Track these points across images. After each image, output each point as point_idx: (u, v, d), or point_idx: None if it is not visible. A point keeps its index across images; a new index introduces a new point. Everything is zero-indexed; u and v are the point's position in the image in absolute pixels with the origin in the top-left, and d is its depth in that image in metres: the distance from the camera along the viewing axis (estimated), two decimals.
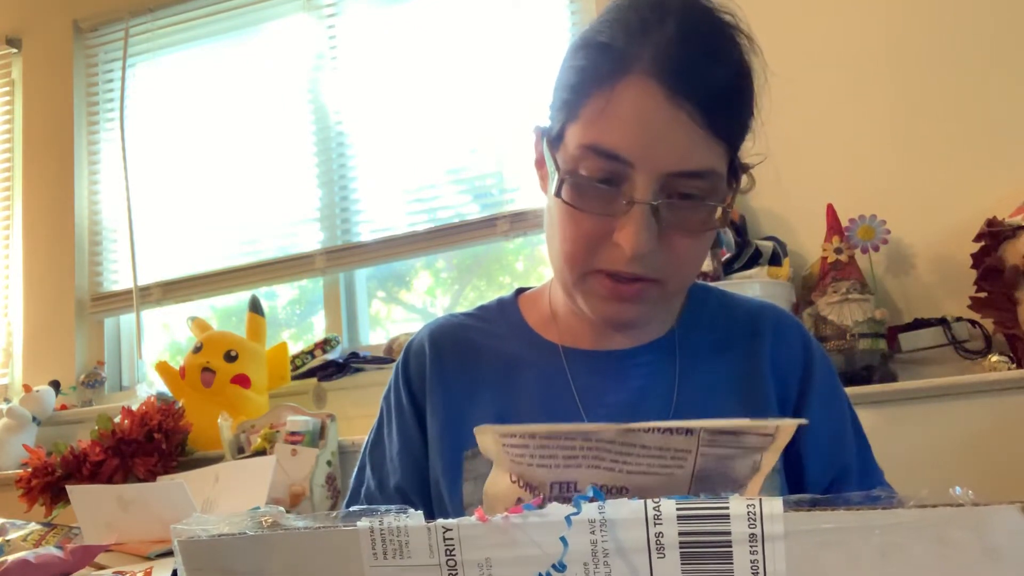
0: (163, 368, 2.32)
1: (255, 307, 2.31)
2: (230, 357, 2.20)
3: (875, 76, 1.95)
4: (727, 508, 0.39)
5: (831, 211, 1.80)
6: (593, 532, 0.40)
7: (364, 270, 2.56)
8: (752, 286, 1.71)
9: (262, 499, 1.72)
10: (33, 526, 1.73)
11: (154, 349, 2.81)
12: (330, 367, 2.29)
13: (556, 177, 0.76)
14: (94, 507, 1.58)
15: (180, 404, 2.16)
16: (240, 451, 2.03)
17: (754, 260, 1.80)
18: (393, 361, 2.07)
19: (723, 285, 1.70)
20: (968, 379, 1.60)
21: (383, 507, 0.46)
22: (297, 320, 2.77)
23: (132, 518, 1.55)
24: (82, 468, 2.02)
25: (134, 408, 2.11)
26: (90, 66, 2.91)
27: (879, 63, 1.95)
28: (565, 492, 0.56)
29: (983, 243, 1.71)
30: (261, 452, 1.94)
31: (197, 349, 2.25)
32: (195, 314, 2.53)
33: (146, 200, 2.76)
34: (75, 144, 2.83)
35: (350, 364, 2.29)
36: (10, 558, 1.29)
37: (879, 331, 1.71)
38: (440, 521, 0.43)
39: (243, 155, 2.68)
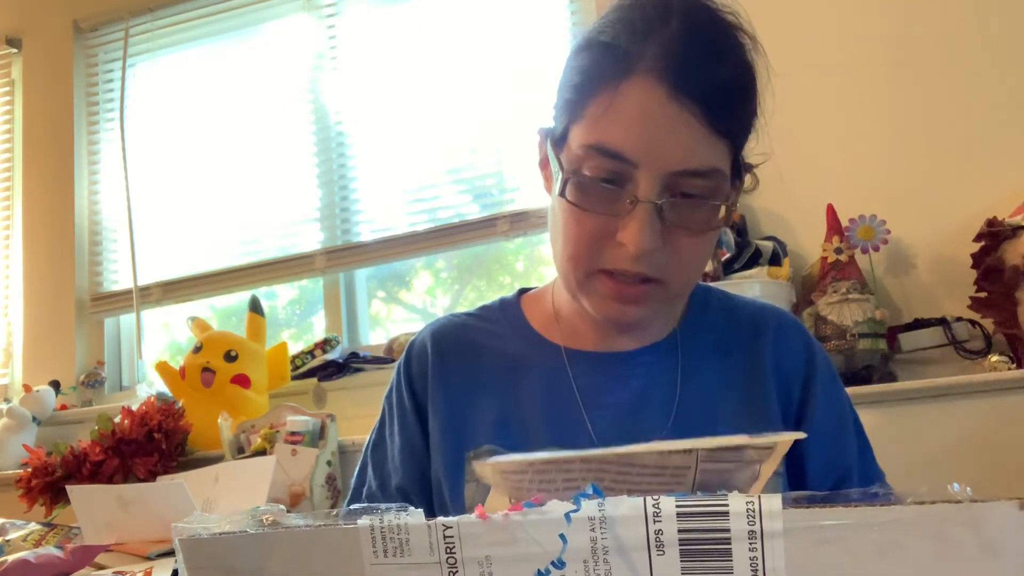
0: (163, 368, 2.32)
1: (255, 307, 2.31)
2: (230, 357, 2.21)
3: (875, 76, 1.95)
4: (726, 505, 0.39)
5: (831, 211, 1.80)
6: (593, 529, 0.40)
7: (364, 270, 2.56)
8: (752, 286, 1.72)
9: (262, 499, 1.72)
10: (33, 526, 1.73)
11: (154, 349, 2.81)
12: (330, 367, 2.29)
13: (560, 177, 0.76)
14: (94, 507, 1.58)
15: (180, 404, 2.16)
16: (240, 451, 2.03)
17: (754, 260, 1.80)
18: (393, 361, 2.08)
19: (723, 285, 1.70)
20: (968, 379, 1.60)
21: (383, 505, 0.46)
22: (297, 320, 2.77)
23: (132, 518, 1.55)
24: (82, 468, 2.02)
25: (134, 408, 2.11)
26: (90, 66, 2.91)
27: (879, 63, 1.95)
28: None
29: (983, 243, 1.71)
30: (261, 452, 1.94)
31: (197, 349, 2.25)
32: (195, 314, 2.53)
33: (146, 200, 2.76)
34: (75, 144, 2.83)
35: (350, 364, 2.29)
36: (10, 558, 1.29)
37: (879, 331, 1.71)
38: (440, 519, 0.44)
39: (243, 155, 2.68)
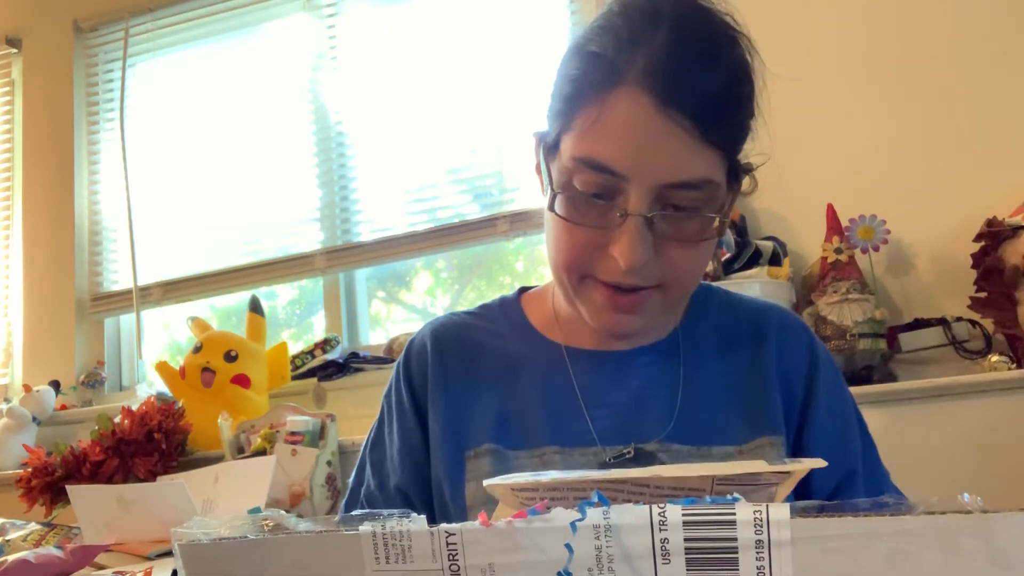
0: (163, 368, 2.32)
1: (255, 307, 2.31)
2: (230, 357, 2.20)
3: (875, 76, 1.95)
4: (733, 514, 0.38)
5: (831, 211, 1.79)
6: (598, 538, 0.40)
7: (364, 270, 2.56)
8: (752, 286, 1.71)
9: (262, 499, 1.71)
10: (33, 526, 1.73)
11: (154, 349, 2.81)
12: (330, 367, 2.29)
13: (550, 191, 0.75)
14: (94, 507, 1.58)
15: (180, 404, 2.16)
16: (240, 451, 2.02)
17: (754, 260, 1.80)
18: (393, 361, 2.08)
19: (723, 285, 1.69)
20: (968, 379, 1.60)
21: (385, 511, 0.45)
22: (297, 320, 2.77)
23: (132, 518, 1.54)
24: (82, 468, 2.02)
25: (134, 408, 2.11)
26: (90, 66, 2.91)
27: (879, 63, 1.95)
28: None
29: (983, 243, 1.70)
30: (261, 452, 1.94)
31: (197, 349, 2.25)
32: (195, 314, 2.53)
33: (146, 200, 2.76)
34: (75, 144, 2.83)
35: (350, 364, 2.29)
36: (10, 558, 1.29)
37: (879, 331, 1.71)
38: (443, 526, 0.43)
39: (243, 155, 2.68)
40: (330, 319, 2.52)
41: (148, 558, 1.45)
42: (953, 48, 1.89)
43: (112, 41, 2.87)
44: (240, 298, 2.63)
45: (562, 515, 0.41)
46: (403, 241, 2.43)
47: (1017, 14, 1.85)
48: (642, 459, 0.79)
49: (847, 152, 1.95)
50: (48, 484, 2.03)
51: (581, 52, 0.75)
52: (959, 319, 1.74)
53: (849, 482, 0.84)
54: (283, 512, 0.50)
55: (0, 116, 3.00)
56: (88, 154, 2.86)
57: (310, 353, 2.33)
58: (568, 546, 0.40)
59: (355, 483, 0.94)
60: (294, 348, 2.37)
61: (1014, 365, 1.61)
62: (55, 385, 2.55)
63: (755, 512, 0.38)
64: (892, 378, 1.70)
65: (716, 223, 0.74)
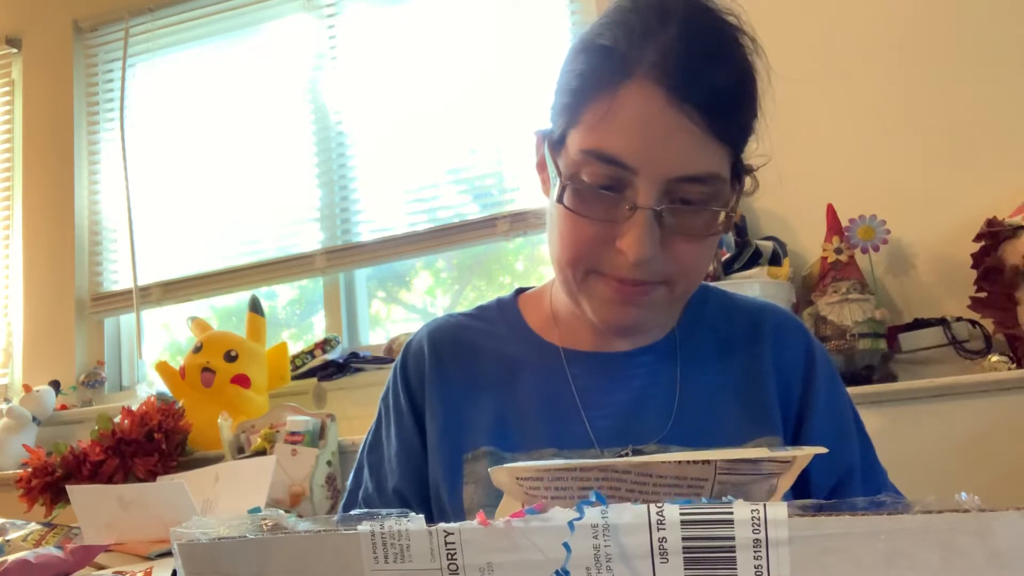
0: (163, 368, 2.32)
1: (255, 307, 2.31)
2: (230, 357, 2.20)
3: (875, 76, 1.95)
4: (731, 513, 0.38)
5: (831, 211, 1.79)
6: (596, 537, 0.40)
7: (364, 270, 2.56)
8: (752, 286, 1.71)
9: (262, 499, 1.72)
10: (33, 526, 1.73)
11: (154, 349, 2.81)
12: (330, 367, 2.29)
13: (558, 182, 0.75)
14: (94, 507, 1.58)
15: (180, 404, 2.16)
16: (240, 451, 2.02)
17: (754, 260, 1.80)
18: (393, 361, 2.07)
19: (723, 285, 1.70)
20: (968, 379, 1.60)
21: (384, 511, 0.45)
22: (297, 320, 2.77)
23: (132, 518, 1.54)
24: (82, 468, 2.02)
25: (134, 408, 2.11)
26: (90, 66, 2.91)
27: (879, 63, 1.95)
28: None
29: (983, 243, 1.70)
30: (261, 452, 1.94)
31: (197, 349, 2.25)
32: (195, 314, 2.53)
33: (146, 200, 2.76)
34: (75, 144, 2.83)
35: (350, 364, 2.29)
36: (10, 558, 1.28)
37: (879, 331, 1.71)
38: (442, 525, 0.43)
39: (243, 155, 2.68)
40: (330, 319, 2.52)
41: (148, 558, 1.45)
42: (953, 48, 1.89)
43: (112, 41, 2.87)
44: (240, 298, 2.63)
45: (560, 514, 0.41)
46: (403, 241, 2.43)
47: (1017, 14, 1.85)
48: None
49: (847, 152, 1.95)
50: (48, 484, 2.03)
51: (590, 47, 0.75)
52: (959, 319, 1.74)
53: (847, 480, 0.84)
54: (282, 512, 0.50)
55: (0, 116, 3.00)
56: (88, 154, 2.86)
57: (310, 353, 2.33)
58: (566, 545, 0.40)
59: (353, 485, 0.94)
60: (294, 348, 2.37)
61: (1014, 365, 1.61)
62: (55, 385, 2.55)
63: (753, 511, 0.38)
64: (892, 378, 1.70)
65: (722, 217, 0.74)
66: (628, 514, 0.39)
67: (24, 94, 2.94)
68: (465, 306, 1.00)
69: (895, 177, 1.90)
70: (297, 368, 2.32)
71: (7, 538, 1.66)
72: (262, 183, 2.64)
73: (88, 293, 2.77)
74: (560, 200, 0.74)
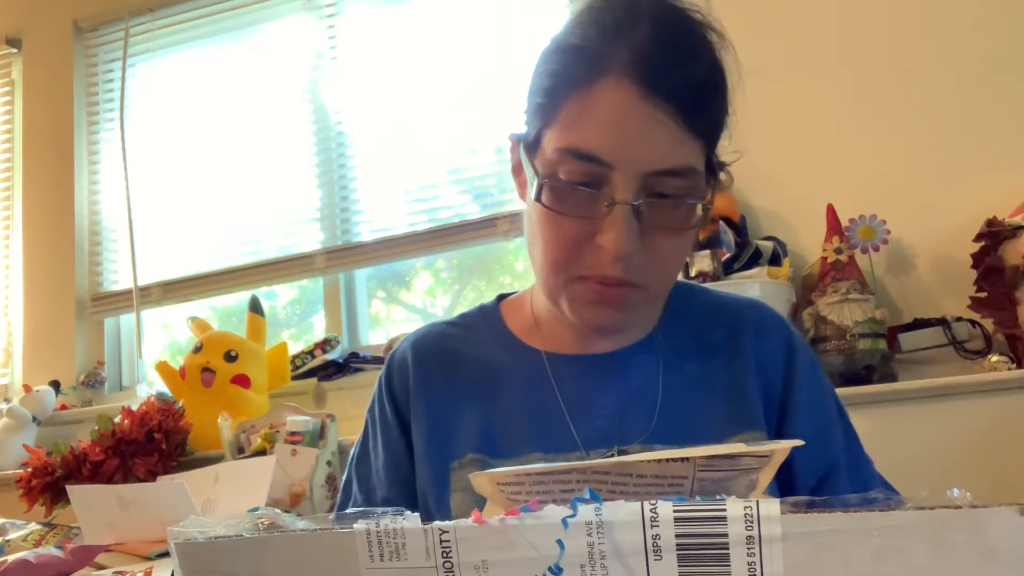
0: (163, 368, 2.32)
1: (255, 307, 2.31)
2: (230, 357, 2.21)
3: (875, 76, 1.95)
4: (724, 510, 0.38)
5: (831, 211, 1.79)
6: (590, 534, 0.40)
7: (364, 270, 2.56)
8: (752, 286, 1.71)
9: (262, 499, 1.72)
10: (33, 526, 1.73)
11: (154, 349, 2.81)
12: (330, 367, 2.29)
13: (535, 182, 0.76)
14: (94, 507, 1.58)
15: (180, 404, 2.16)
16: (240, 451, 2.02)
17: (754, 260, 1.80)
18: None
19: (723, 285, 1.70)
20: (968, 379, 1.60)
21: (379, 509, 0.46)
22: (297, 320, 2.77)
23: (132, 518, 1.55)
24: (82, 468, 2.02)
25: (134, 408, 2.11)
26: (90, 66, 2.91)
27: (880, 63, 1.95)
28: None
29: (983, 243, 1.70)
30: (261, 452, 1.94)
31: (197, 349, 2.25)
32: (195, 314, 2.53)
33: (146, 200, 2.76)
34: (75, 144, 2.83)
35: (350, 364, 2.29)
36: (10, 558, 1.29)
37: (879, 331, 1.71)
38: (436, 523, 0.43)
39: (243, 155, 2.68)
40: (330, 319, 2.52)
41: (148, 558, 1.45)
42: (953, 48, 1.89)
43: (112, 41, 2.88)
44: (240, 298, 2.63)
45: (554, 512, 0.41)
46: (403, 241, 2.43)
47: (1017, 14, 1.85)
48: None
49: (847, 152, 1.95)
50: (48, 484, 2.03)
51: (562, 47, 0.76)
52: (959, 319, 1.74)
53: (833, 472, 0.84)
54: (278, 511, 0.50)
55: (0, 116, 3.00)
56: (88, 154, 2.86)
57: (310, 353, 2.33)
58: (560, 542, 0.40)
59: (343, 498, 0.94)
60: (294, 348, 2.37)
61: (1014, 365, 1.61)
62: (55, 385, 2.56)
63: (746, 508, 0.38)
64: (892, 378, 1.70)
65: (699, 211, 0.75)
66: (622, 511, 0.40)
67: (24, 94, 2.95)
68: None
69: (895, 177, 1.90)
70: (297, 368, 2.32)
71: (7, 538, 1.66)
72: (262, 183, 2.65)
73: (88, 293, 2.77)
74: (538, 199, 0.75)
